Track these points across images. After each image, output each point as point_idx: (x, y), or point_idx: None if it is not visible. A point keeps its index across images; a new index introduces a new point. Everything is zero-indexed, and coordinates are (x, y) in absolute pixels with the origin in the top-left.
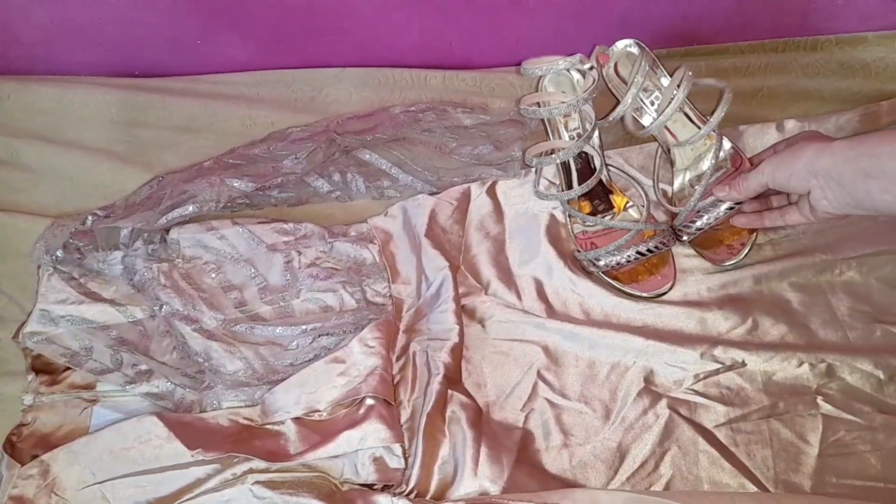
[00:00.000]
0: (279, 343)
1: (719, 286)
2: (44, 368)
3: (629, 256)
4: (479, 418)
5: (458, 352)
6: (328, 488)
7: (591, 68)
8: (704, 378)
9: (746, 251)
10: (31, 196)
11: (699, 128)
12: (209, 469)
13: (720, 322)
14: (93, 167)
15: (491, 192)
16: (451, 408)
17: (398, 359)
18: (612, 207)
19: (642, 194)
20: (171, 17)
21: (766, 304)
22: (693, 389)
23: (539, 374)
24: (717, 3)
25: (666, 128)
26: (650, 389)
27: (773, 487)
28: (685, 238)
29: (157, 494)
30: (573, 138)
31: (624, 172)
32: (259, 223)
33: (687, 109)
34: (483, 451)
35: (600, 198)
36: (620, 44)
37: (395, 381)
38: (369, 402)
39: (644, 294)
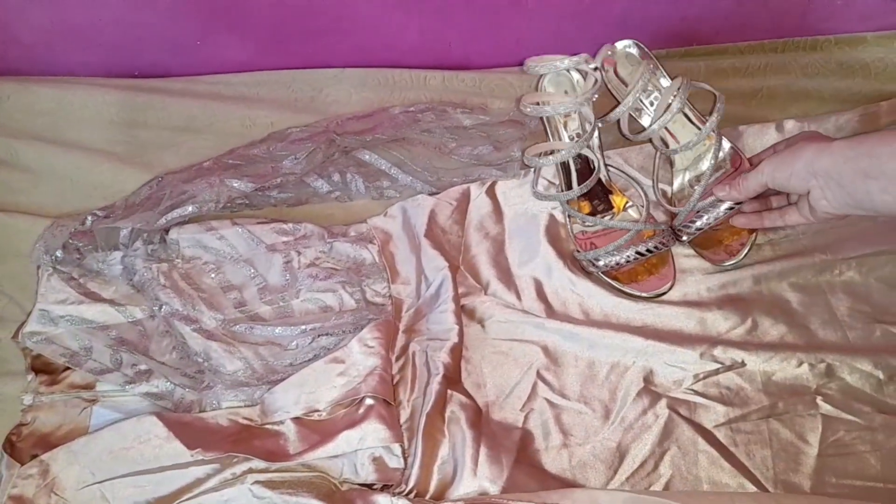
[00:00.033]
0: (279, 343)
1: (719, 286)
2: (43, 368)
3: (629, 256)
4: (479, 418)
5: (457, 352)
6: (328, 488)
7: (596, 69)
8: (704, 378)
9: (746, 251)
10: (31, 196)
11: (699, 128)
12: (209, 469)
13: (720, 322)
14: (92, 168)
15: (490, 192)
16: (450, 408)
17: (398, 359)
18: (612, 208)
19: (642, 194)
20: (171, 18)
21: (765, 304)
22: (692, 389)
23: (538, 374)
24: (716, 3)
25: (666, 129)
26: (650, 389)
27: (773, 487)
28: (685, 238)
29: (156, 494)
30: (573, 138)
31: (623, 172)
32: (258, 223)
33: (687, 110)
34: (482, 451)
35: (600, 198)
36: (620, 44)
37: (395, 381)
38: (369, 402)
39: (643, 294)
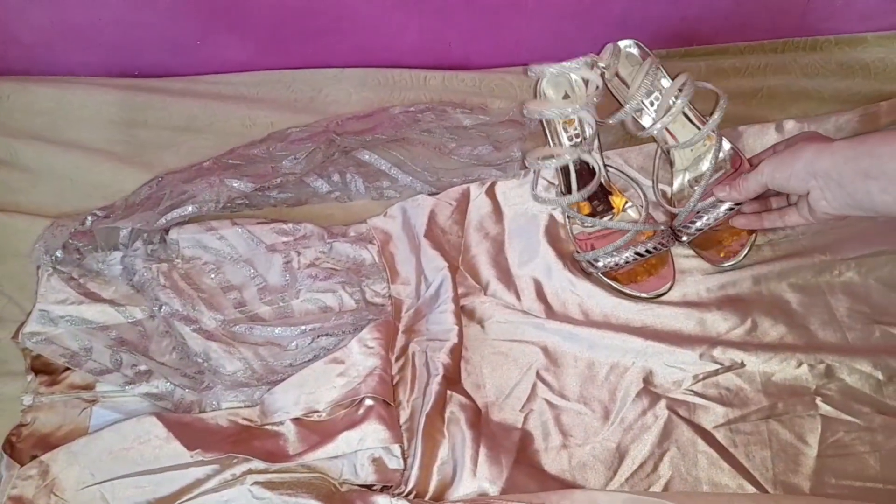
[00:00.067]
0: (278, 343)
1: (718, 287)
2: (43, 369)
3: (628, 257)
4: (479, 419)
5: (457, 352)
6: (327, 489)
7: (602, 73)
8: (703, 379)
9: (745, 252)
10: (31, 196)
11: (699, 128)
12: (208, 469)
13: (719, 323)
14: (92, 167)
15: (490, 192)
16: (450, 408)
17: (397, 359)
18: (612, 208)
19: (641, 195)
20: (171, 18)
21: (765, 304)
22: (692, 390)
23: (538, 375)
24: (716, 3)
25: (666, 129)
26: (649, 390)
27: (772, 488)
28: (684, 239)
29: (156, 495)
30: (572, 140)
31: (623, 173)
32: (258, 223)
33: (687, 110)
34: (482, 451)
35: (599, 199)
36: (621, 44)
37: (395, 382)
38: (368, 402)
39: (643, 295)
